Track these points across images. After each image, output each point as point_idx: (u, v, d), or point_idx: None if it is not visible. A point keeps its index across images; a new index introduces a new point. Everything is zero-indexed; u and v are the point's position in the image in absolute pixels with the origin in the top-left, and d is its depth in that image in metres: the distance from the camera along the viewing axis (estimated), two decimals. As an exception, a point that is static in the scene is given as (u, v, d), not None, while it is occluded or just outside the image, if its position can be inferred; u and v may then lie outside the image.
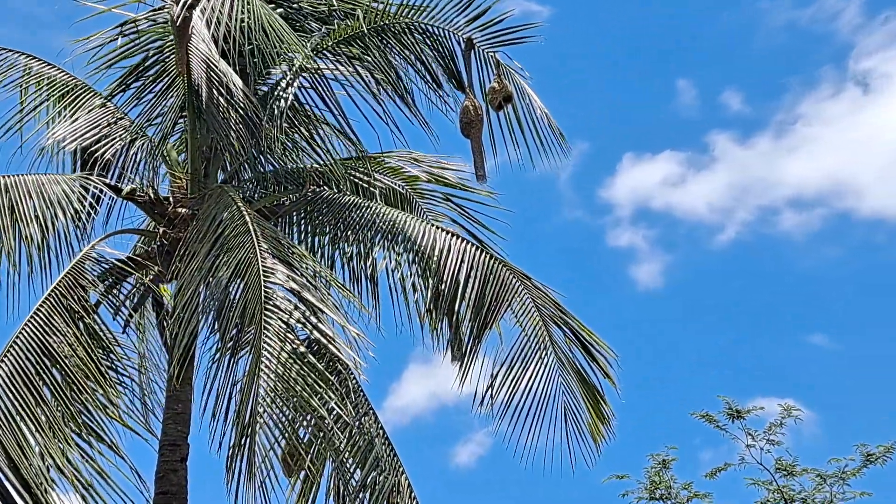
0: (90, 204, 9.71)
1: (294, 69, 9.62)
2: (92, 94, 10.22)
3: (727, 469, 18.10)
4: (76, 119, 9.91)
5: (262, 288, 8.16)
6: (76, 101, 10.08)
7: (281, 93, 9.65)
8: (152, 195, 9.79)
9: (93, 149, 9.81)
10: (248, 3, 8.74)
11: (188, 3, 8.69)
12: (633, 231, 25.90)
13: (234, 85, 9.04)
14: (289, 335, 8.06)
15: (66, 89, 10.17)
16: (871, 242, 25.31)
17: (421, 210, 10.59)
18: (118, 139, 9.96)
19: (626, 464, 17.71)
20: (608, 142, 25.38)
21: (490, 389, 9.23)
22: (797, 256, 25.49)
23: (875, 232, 25.17)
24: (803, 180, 25.67)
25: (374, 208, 9.72)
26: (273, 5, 9.94)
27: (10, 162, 9.96)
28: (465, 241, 9.54)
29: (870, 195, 25.30)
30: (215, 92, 9.05)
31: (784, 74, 26.87)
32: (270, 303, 8.11)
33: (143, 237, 10.16)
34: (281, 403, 7.88)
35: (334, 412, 8.56)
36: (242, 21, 8.76)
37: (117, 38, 9.95)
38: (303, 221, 9.92)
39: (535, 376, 9.22)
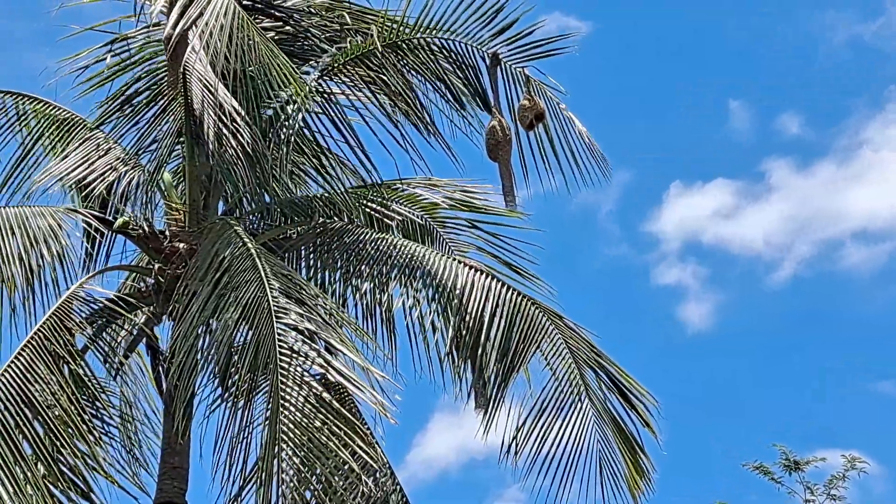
0: (78, 239, 9.25)
1: (300, 97, 9.10)
2: (81, 125, 9.80)
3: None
4: (66, 156, 9.48)
5: (275, 330, 7.64)
6: (67, 135, 9.70)
7: (287, 119, 9.16)
8: (146, 228, 9.23)
9: (83, 183, 9.40)
10: (248, 37, 8.26)
11: (182, 22, 8.20)
12: (681, 267, 24.17)
13: (234, 111, 8.54)
14: (307, 380, 7.54)
15: (56, 123, 9.78)
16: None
17: (443, 240, 10.07)
18: (109, 170, 9.51)
19: (673, 522, 16.90)
20: (654, 170, 23.82)
21: (516, 440, 8.71)
22: (862, 295, 24.02)
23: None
24: (869, 211, 24.29)
25: (389, 241, 9.21)
26: (280, 23, 9.51)
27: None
28: (490, 277, 9.01)
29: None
30: (214, 118, 8.54)
31: (847, 96, 25.27)
32: (285, 346, 7.60)
33: (136, 275, 9.66)
34: (303, 455, 7.36)
35: (351, 462, 7.81)
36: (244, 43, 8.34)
37: (105, 58, 9.49)
38: (312, 256, 9.40)
39: (568, 425, 8.70)
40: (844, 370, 22.68)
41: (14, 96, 9.94)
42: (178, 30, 8.23)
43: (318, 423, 7.40)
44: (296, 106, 9.14)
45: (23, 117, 9.91)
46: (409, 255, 9.09)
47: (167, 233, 9.25)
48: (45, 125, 9.85)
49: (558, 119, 9.35)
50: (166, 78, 9.16)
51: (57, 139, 9.73)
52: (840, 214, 24.27)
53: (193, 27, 8.15)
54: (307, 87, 8.95)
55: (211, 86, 8.49)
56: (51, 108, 9.91)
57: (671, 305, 24.07)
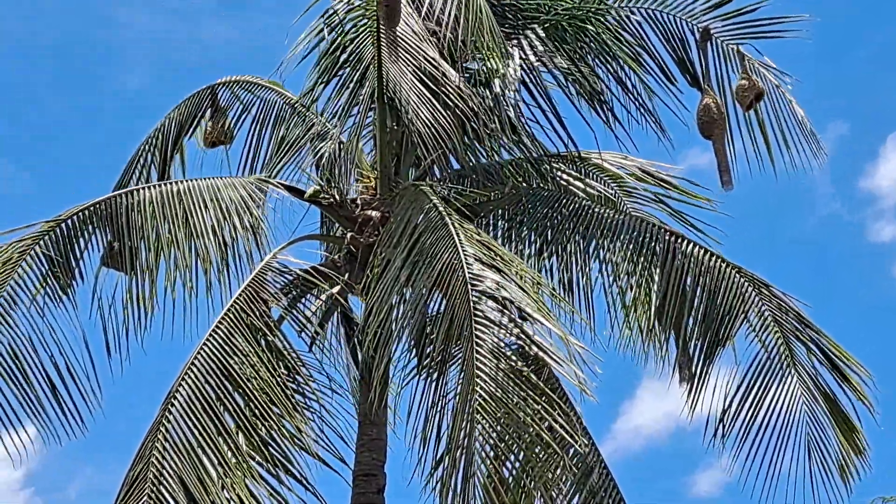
0: (271, 209, 9.41)
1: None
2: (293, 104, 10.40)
3: None
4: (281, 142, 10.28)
5: (470, 298, 7.61)
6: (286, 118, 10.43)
7: (503, 87, 9.44)
8: (337, 197, 9.45)
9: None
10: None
11: None
12: None
13: (447, 76, 8.71)
14: (503, 351, 7.47)
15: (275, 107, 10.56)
16: None
17: (628, 211, 10.07)
18: (306, 139, 10.03)
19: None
20: (869, 123, 22.98)
21: (724, 418, 8.75)
22: None
23: None
24: None
25: (587, 207, 9.20)
26: None
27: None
28: (691, 243, 8.93)
29: None
30: (421, 82, 8.69)
31: None
32: (481, 315, 7.54)
33: (329, 244, 9.87)
34: (498, 427, 7.37)
35: (548, 437, 7.73)
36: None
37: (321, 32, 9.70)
38: (505, 223, 9.50)
39: (776, 401, 8.71)
40: None
41: (253, 84, 10.67)
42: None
43: (514, 398, 7.32)
44: (506, 74, 9.31)
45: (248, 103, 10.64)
46: (609, 222, 9.07)
47: (358, 201, 9.40)
48: (281, 109, 10.49)
49: (772, 97, 9.40)
50: (364, 46, 9.34)
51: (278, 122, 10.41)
52: None
53: None
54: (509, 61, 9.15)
55: (414, 48, 8.62)
56: (277, 90, 10.53)
57: (888, 263, 23.56)
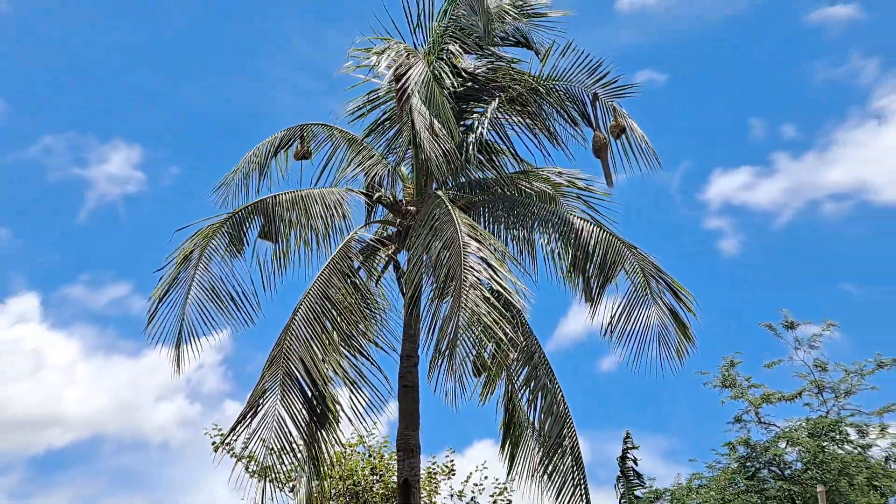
0: (353, 205, 13.27)
1: (483, 124, 13.16)
2: (357, 142, 13.77)
3: (780, 363, 24.32)
4: (350, 161, 13.63)
5: (462, 256, 11.06)
6: (350, 148, 13.79)
7: (475, 134, 13.12)
8: (392, 198, 12.98)
9: (360, 175, 13.58)
10: (433, 95, 11.90)
11: (404, 77, 11.97)
12: (720, 219, 36.15)
13: (440, 132, 12.25)
14: (478, 286, 11.02)
15: (345, 140, 13.85)
16: (885, 224, 34.60)
17: (561, 203, 13.64)
18: (371, 166, 13.57)
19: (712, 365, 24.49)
20: (704, 161, 35.88)
21: (611, 323, 12.49)
22: (835, 232, 34.82)
23: (887, 217, 34.78)
24: (837, 183, 35.82)
25: (534, 205, 12.91)
26: (461, 79, 13.23)
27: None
28: (591, 224, 12.68)
29: (883, 192, 35.58)
30: (428, 133, 12.16)
31: (825, 113, 37.14)
32: (467, 265, 11.03)
33: (385, 226, 13.39)
34: (473, 328, 10.72)
35: (508, 335, 11.16)
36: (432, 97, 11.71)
37: (373, 100, 13.59)
38: (487, 213, 13.11)
39: (641, 314, 12.38)
40: (820, 277, 33.79)
41: (322, 126, 14.10)
42: (401, 83, 12.08)
43: (484, 313, 10.67)
44: (477, 131, 13.03)
45: (326, 138, 13.96)
46: (546, 213, 12.74)
47: (403, 201, 12.94)
48: (338, 141, 13.86)
49: (633, 134, 13.00)
50: (395, 111, 13.04)
51: (344, 150, 13.75)
52: (820, 184, 35.33)
53: (408, 83, 11.80)
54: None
55: (423, 115, 12.27)
56: (339, 131, 13.99)
57: (714, 241, 35.48)
